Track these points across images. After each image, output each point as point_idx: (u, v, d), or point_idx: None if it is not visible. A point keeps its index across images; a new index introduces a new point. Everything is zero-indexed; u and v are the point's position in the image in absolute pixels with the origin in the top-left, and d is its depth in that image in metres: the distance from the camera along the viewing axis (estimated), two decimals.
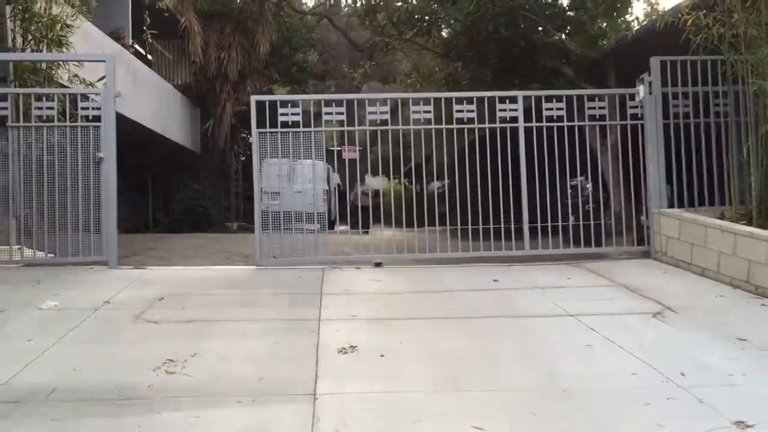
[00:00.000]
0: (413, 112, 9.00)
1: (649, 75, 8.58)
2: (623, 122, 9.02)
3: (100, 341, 5.45)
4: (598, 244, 9.06)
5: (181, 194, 22.76)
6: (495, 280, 7.55)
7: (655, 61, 8.53)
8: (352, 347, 5.24)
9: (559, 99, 8.91)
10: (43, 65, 9.73)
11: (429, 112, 8.91)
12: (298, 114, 8.89)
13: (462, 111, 8.86)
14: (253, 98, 9.16)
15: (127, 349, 5.23)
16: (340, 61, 31.76)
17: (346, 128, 9.28)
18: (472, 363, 4.98)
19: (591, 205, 10.07)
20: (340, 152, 31.22)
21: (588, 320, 5.95)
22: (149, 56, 22.27)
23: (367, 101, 8.99)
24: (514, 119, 8.94)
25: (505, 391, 4.45)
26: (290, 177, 25.65)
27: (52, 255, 8.33)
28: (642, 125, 8.81)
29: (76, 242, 8.29)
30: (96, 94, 8.78)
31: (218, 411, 4.11)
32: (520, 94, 9.15)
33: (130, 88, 14.93)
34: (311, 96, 9.72)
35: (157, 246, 11.45)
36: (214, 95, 24.07)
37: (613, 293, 6.97)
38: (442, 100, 9.45)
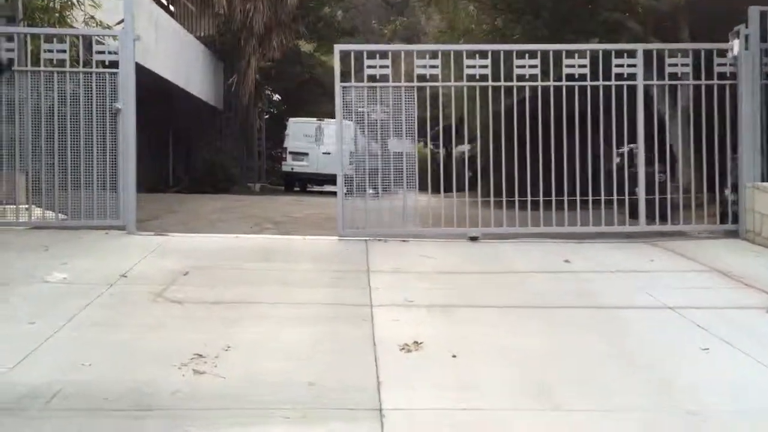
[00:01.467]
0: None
1: (747, 27, 7.45)
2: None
3: (114, 326, 4.57)
4: (674, 220, 8.00)
5: (203, 153, 21.89)
6: (566, 261, 6.57)
7: (754, 11, 7.40)
8: (416, 343, 4.31)
9: (680, 53, 7.89)
10: (56, 4, 8.74)
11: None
12: (387, 67, 7.68)
13: (573, 66, 7.73)
14: (337, 47, 8.01)
15: (146, 337, 4.34)
16: (368, 17, 30.45)
17: (440, 83, 7.99)
18: (562, 367, 4.04)
19: (660, 176, 8.96)
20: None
21: (691, 315, 4.97)
22: (171, 7, 21.20)
23: (464, 53, 7.88)
24: (632, 76, 7.84)
25: (615, 412, 3.52)
26: (317, 137, 24.74)
27: (63, 217, 7.46)
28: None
29: (90, 203, 7.41)
30: (113, 36, 7.81)
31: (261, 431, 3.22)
32: (640, 47, 8.02)
33: (151, 37, 13.94)
34: (402, 46, 8.54)
35: (179, 208, 10.57)
36: (239, 49, 23.00)
37: (709, 280, 5.98)
38: (551, 53, 8.09)
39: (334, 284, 5.70)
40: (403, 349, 4.26)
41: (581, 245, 7.36)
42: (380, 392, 3.65)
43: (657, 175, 8.87)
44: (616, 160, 8.65)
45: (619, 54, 7.83)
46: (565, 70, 7.74)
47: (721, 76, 7.75)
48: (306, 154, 23.29)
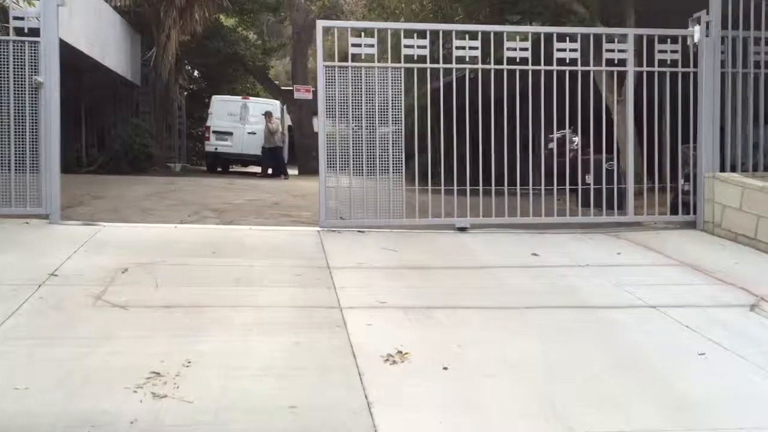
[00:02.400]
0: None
1: (708, 14, 7.29)
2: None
3: (50, 338, 3.92)
4: (623, 210, 7.76)
5: (119, 130, 20.58)
6: (534, 254, 6.27)
7: None
8: (401, 353, 3.89)
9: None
10: None
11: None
12: (372, 45, 7.22)
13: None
14: (320, 23, 7.42)
15: (92, 352, 3.72)
16: None
17: (429, 65, 7.38)
18: (566, 381, 3.69)
19: (609, 164, 8.77)
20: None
21: (676, 314, 4.74)
22: None
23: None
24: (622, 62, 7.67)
25: None
26: (242, 116, 23.81)
27: None
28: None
29: (7, 188, 6.59)
30: (31, 1, 6.92)
31: None
32: (630, 32, 7.83)
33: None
34: (388, 24, 7.87)
35: (104, 193, 9.69)
36: (158, 21, 21.73)
37: (682, 275, 5.78)
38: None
39: (297, 283, 5.18)
40: (387, 360, 3.82)
41: (544, 237, 7.08)
42: (373, 416, 3.21)
43: (605, 164, 8.74)
44: (550, 146, 8.42)
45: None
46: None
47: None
48: (230, 133, 22.35)
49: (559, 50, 7.50)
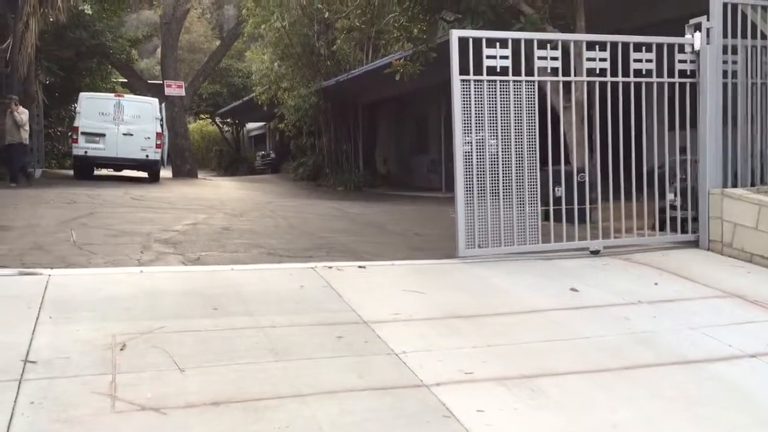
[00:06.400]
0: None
1: (708, 20, 6.94)
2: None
3: None
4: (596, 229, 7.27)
5: None
6: (573, 289, 5.60)
7: (717, 3, 6.89)
8: None
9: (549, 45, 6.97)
10: None
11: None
12: (507, 57, 6.55)
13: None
14: (454, 33, 6.49)
15: None
16: None
17: (561, 78, 6.94)
18: None
19: (581, 175, 8.20)
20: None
21: None
22: None
23: None
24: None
25: None
26: (116, 116, 21.67)
27: None
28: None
29: None
30: None
31: None
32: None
33: None
34: (522, 34, 6.78)
35: (3, 221, 7.99)
36: (15, 8, 19.22)
37: (742, 310, 5.30)
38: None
39: (344, 349, 4.18)
40: None
41: (556, 264, 6.44)
42: None
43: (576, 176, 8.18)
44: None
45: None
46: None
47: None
48: (102, 135, 20.18)
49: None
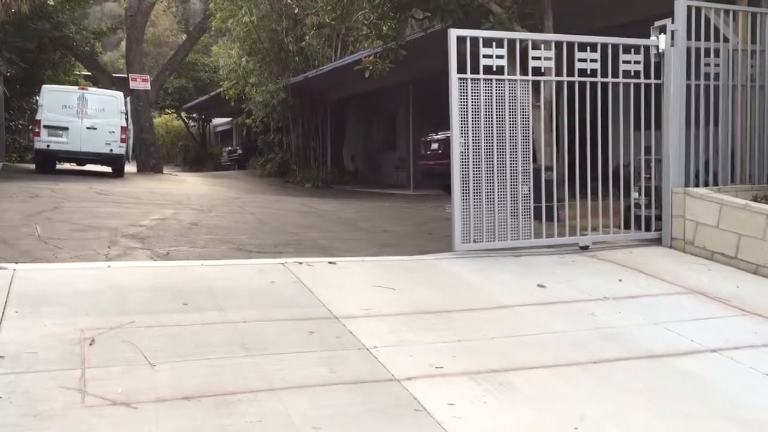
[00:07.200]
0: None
1: (673, 22, 7.08)
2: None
3: None
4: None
5: None
6: (540, 285, 5.69)
7: (681, 4, 7.03)
8: None
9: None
10: None
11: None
12: (503, 57, 6.72)
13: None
14: (453, 32, 6.56)
15: None
16: None
17: (554, 78, 7.12)
18: None
19: (547, 173, 8.36)
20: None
21: (740, 357, 4.39)
22: None
23: None
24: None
25: None
26: (79, 109, 21.34)
27: None
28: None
29: None
30: None
31: None
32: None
33: None
34: (517, 34, 6.81)
35: None
36: None
37: (702, 306, 5.46)
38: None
39: (317, 344, 4.20)
40: None
41: (524, 260, 6.53)
42: None
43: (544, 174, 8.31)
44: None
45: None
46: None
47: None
48: (66, 128, 19.82)
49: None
